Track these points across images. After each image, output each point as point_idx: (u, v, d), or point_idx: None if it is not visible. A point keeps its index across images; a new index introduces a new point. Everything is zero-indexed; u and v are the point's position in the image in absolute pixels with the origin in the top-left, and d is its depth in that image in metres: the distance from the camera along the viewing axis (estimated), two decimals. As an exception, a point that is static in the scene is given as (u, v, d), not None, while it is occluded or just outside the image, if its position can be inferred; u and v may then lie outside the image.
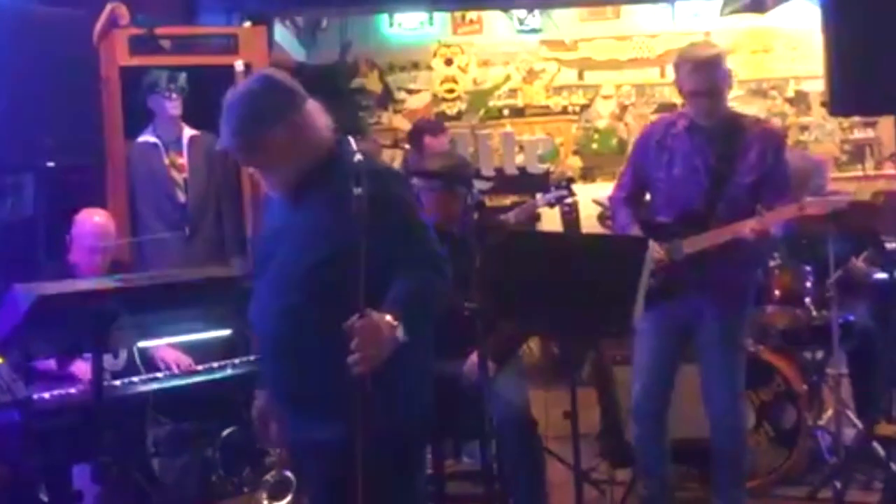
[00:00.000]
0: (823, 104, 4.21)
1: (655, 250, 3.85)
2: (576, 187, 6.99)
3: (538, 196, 5.83)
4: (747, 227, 3.77)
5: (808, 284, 4.82)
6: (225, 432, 4.06)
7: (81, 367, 4.08)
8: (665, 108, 8.36)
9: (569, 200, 5.59)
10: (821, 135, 8.68)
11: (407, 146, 5.22)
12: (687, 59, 3.88)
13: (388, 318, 2.56)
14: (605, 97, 8.84)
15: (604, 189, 7.17)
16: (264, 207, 3.01)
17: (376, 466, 2.56)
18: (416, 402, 2.79)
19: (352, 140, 2.63)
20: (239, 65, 5.12)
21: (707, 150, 3.90)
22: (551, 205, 5.78)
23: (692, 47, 4.02)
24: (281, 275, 2.71)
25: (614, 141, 8.80)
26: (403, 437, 2.74)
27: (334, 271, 2.56)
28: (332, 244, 2.60)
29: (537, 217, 7.19)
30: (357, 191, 2.51)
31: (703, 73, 3.82)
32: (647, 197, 4.14)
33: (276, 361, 2.75)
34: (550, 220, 7.22)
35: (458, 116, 8.80)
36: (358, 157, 2.60)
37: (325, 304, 2.56)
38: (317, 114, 2.76)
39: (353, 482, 2.55)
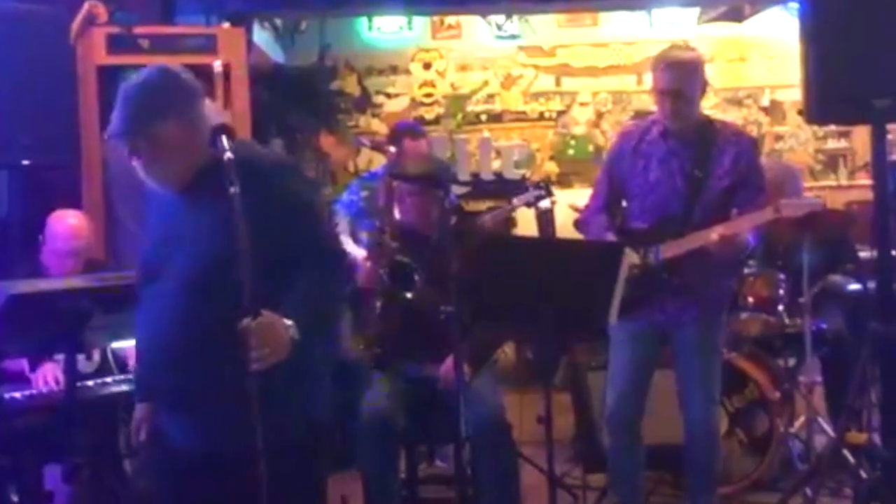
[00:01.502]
0: (799, 112, 4.24)
1: (632, 255, 3.86)
2: (552, 193, 7.01)
3: (515, 200, 5.83)
4: (714, 234, 3.79)
5: (782, 292, 4.86)
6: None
7: (43, 375, 4.01)
8: (641, 115, 8.35)
9: (546, 203, 5.60)
10: (795, 144, 8.75)
11: (392, 149, 5.21)
12: (661, 59, 3.91)
13: (284, 318, 2.57)
14: (582, 104, 8.87)
15: (580, 195, 7.19)
16: (149, 207, 2.93)
17: (283, 469, 2.56)
18: (319, 404, 2.81)
19: (224, 139, 2.60)
20: (217, 65, 5.10)
21: (682, 155, 3.92)
22: (529, 204, 5.78)
23: (671, 48, 4.05)
24: (181, 279, 2.67)
25: (591, 147, 8.83)
26: (309, 437, 2.75)
27: (234, 273, 2.50)
28: (230, 246, 2.53)
29: (514, 223, 7.20)
30: (232, 190, 2.51)
31: (672, 74, 3.85)
32: (624, 204, 4.15)
33: (175, 370, 2.69)
34: (526, 226, 7.24)
35: (436, 121, 8.80)
36: (228, 155, 2.57)
37: (229, 308, 2.51)
38: (213, 113, 2.75)
39: (259, 487, 2.55)
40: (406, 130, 5.47)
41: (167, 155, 2.67)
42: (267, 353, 2.52)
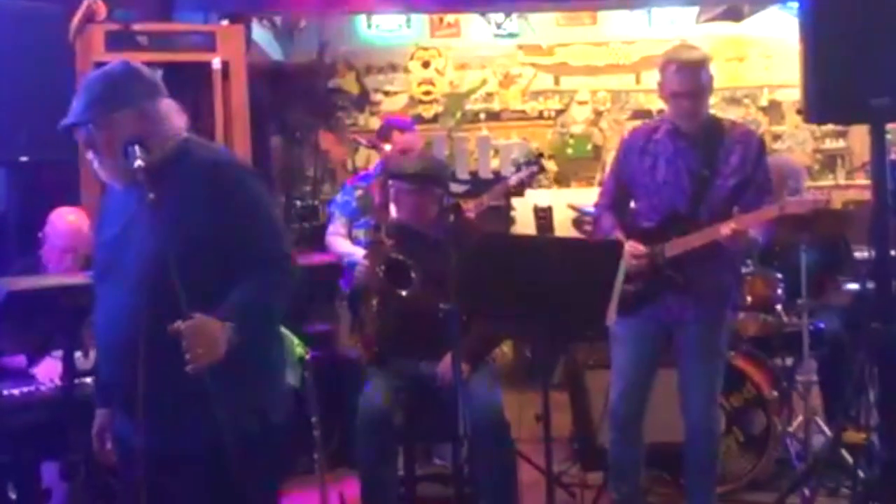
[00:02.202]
0: (798, 112, 4.24)
1: (637, 251, 3.86)
2: (550, 192, 7.01)
3: (511, 179, 5.84)
4: (726, 228, 3.79)
5: (780, 292, 4.86)
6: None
7: (44, 369, 4.00)
8: (640, 114, 8.41)
9: (539, 186, 5.63)
10: (793, 144, 8.75)
11: (388, 147, 5.21)
12: (672, 60, 3.91)
13: (222, 319, 2.57)
14: (581, 103, 8.87)
15: (578, 194, 7.22)
16: (102, 207, 2.95)
17: (232, 467, 2.57)
18: (270, 402, 2.81)
19: (137, 149, 2.63)
20: (216, 62, 5.10)
21: (689, 154, 3.92)
22: (524, 182, 5.79)
23: (678, 49, 4.05)
24: (134, 275, 2.67)
25: (589, 146, 8.83)
26: (264, 434, 2.75)
27: (180, 273, 2.51)
28: (178, 243, 2.55)
29: (512, 221, 7.20)
30: (150, 196, 2.53)
31: (687, 74, 3.85)
32: (632, 205, 4.15)
33: (130, 368, 2.64)
34: (525, 225, 7.24)
35: (435, 119, 8.81)
36: (139, 163, 2.60)
37: (179, 305, 2.51)
38: (172, 112, 2.76)
39: (218, 484, 2.57)
40: (394, 124, 5.48)
41: (122, 146, 2.67)
42: (200, 353, 2.51)
